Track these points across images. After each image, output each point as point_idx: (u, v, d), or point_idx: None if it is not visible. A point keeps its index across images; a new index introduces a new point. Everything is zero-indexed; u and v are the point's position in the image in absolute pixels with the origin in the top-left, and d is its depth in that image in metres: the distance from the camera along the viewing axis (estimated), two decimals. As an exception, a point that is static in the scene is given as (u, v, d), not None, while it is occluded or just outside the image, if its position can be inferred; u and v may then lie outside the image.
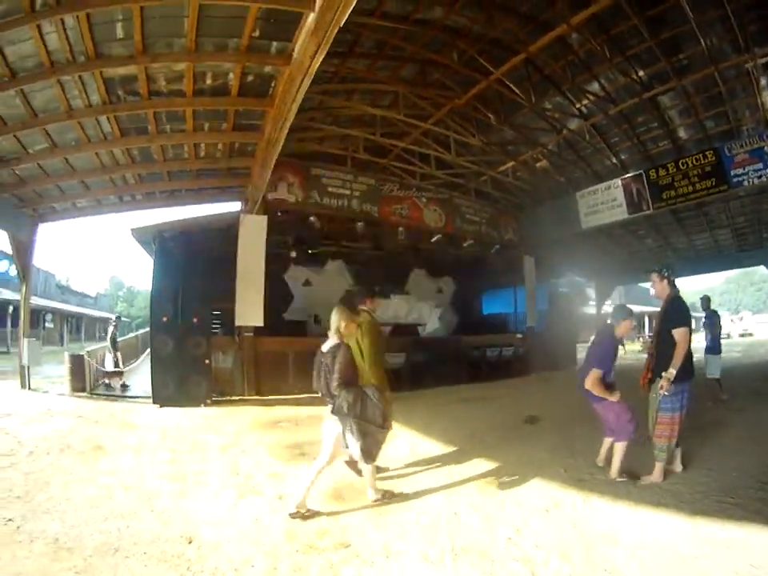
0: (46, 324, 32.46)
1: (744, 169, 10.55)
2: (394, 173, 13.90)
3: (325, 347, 4.60)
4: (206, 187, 11.31)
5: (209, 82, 7.50)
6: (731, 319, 38.81)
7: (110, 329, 13.21)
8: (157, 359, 9.25)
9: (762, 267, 22.13)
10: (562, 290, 20.61)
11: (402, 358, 12.32)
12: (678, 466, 5.13)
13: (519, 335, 16.32)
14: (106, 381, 11.74)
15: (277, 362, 11.04)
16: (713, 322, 9.38)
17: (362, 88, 11.20)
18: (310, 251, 15.43)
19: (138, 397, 9.66)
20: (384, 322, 15.42)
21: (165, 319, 9.30)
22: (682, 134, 12.34)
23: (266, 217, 11.00)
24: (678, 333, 4.72)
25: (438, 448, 6.72)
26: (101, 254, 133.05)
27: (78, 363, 10.83)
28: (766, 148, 10.34)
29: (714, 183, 11.06)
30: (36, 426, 7.18)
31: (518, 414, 8.65)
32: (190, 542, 3.61)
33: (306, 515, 4.12)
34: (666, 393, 4.72)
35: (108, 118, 8.12)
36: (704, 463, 5.35)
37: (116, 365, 12.32)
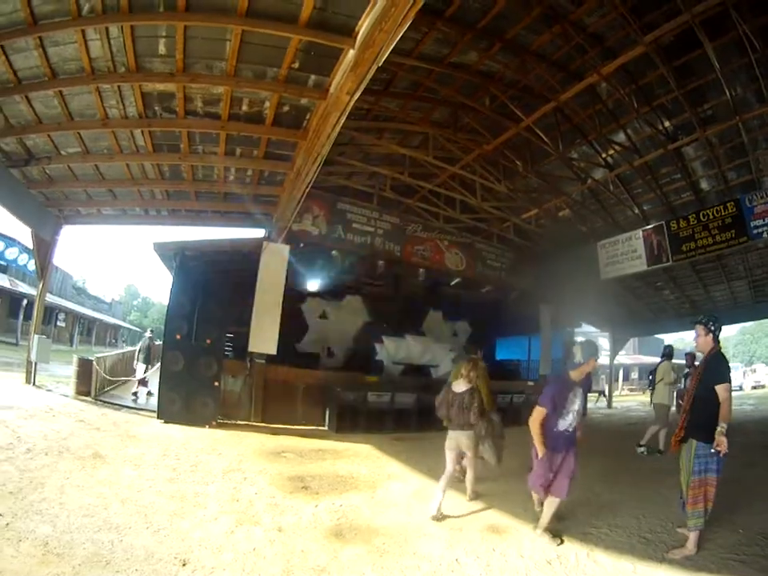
0: (58, 323, 32.75)
1: (764, 220, 10.46)
2: (419, 213, 13.98)
3: (457, 389, 6.28)
4: (232, 211, 11.37)
5: (245, 108, 7.58)
6: (744, 371, 37.88)
7: (145, 340, 13.36)
8: (166, 375, 9.21)
9: None
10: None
11: (412, 398, 12.12)
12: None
13: (531, 383, 16.03)
14: (134, 389, 11.89)
15: (286, 392, 10.96)
16: None
17: (393, 127, 11.30)
18: (328, 285, 15.45)
19: (142, 409, 9.59)
20: (397, 362, 15.37)
21: (178, 337, 9.27)
22: (704, 185, 12.33)
23: (288, 246, 11.03)
24: (721, 388, 4.33)
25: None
26: (119, 261, 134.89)
27: (85, 367, 10.86)
28: None
29: (733, 235, 10.96)
30: (36, 423, 7.16)
31: (526, 462, 8.46)
32: (184, 565, 3.53)
33: (440, 518, 5.27)
34: (721, 449, 4.24)
35: (142, 132, 8.24)
36: (711, 519, 4.98)
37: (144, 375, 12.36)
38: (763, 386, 33.21)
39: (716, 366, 4.54)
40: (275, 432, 9.58)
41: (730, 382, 4.40)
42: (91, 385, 10.77)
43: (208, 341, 9.39)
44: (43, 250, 11.11)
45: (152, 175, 9.76)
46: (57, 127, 8.11)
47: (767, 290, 17.82)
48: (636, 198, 13.13)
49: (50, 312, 28.39)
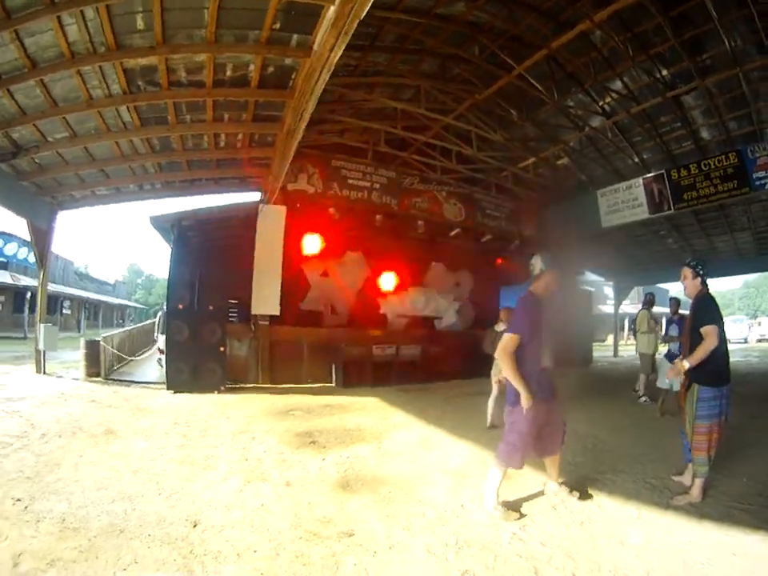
0: (64, 310, 33.06)
1: (766, 172, 10.38)
2: (415, 166, 13.87)
3: (498, 329, 7.64)
4: (226, 177, 11.37)
5: (229, 73, 7.55)
6: (749, 325, 37.92)
7: (163, 313, 13.60)
8: (172, 346, 9.35)
9: None
10: (580, 287, 20.41)
11: (417, 350, 12.48)
12: (687, 480, 4.73)
13: None
14: (158, 357, 12.27)
15: (291, 351, 11.23)
16: (681, 327, 8.23)
17: (382, 82, 11.17)
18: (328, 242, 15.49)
19: (152, 383, 9.80)
20: (400, 314, 15.53)
21: (181, 306, 9.39)
22: (704, 134, 12.18)
23: (284, 207, 11.14)
24: (705, 330, 4.22)
25: (450, 441, 6.72)
26: (120, 241, 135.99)
27: (93, 349, 11.03)
28: None
29: (735, 185, 10.88)
30: (49, 409, 7.30)
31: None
32: (194, 526, 3.64)
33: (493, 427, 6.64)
34: (673, 378, 4.48)
35: (128, 108, 8.19)
36: (716, 467, 5.04)
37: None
38: None
39: (704, 309, 4.42)
40: (283, 392, 9.84)
41: (717, 324, 4.26)
42: (100, 365, 11.00)
43: (211, 307, 9.52)
44: (41, 240, 11.14)
45: (142, 150, 9.72)
46: (41, 115, 8.09)
47: None
48: (635, 146, 13.03)
49: (55, 300, 28.70)
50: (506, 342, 4.01)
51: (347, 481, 4.92)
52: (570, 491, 4.56)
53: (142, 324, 23.81)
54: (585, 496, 4.53)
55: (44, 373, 10.73)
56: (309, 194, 11.98)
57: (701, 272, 4.56)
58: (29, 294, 25.32)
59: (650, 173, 12.78)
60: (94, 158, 9.78)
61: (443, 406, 9.33)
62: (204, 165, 10.78)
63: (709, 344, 4.19)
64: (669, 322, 8.65)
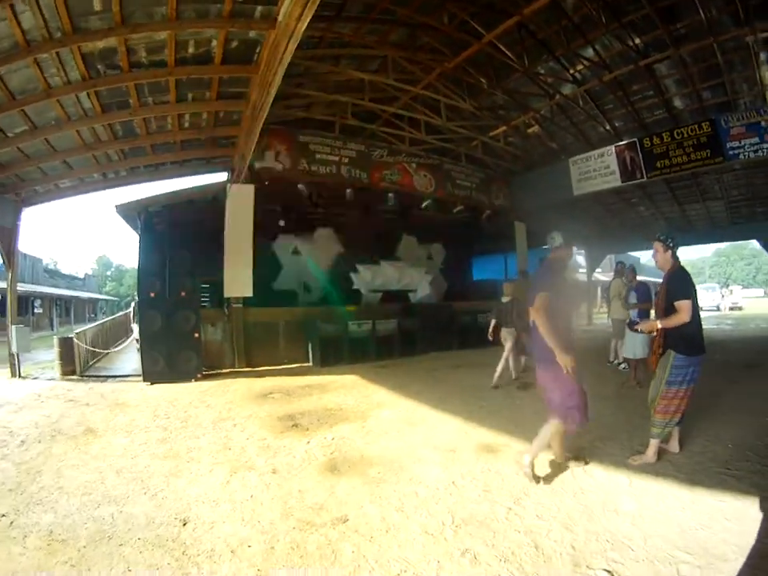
0: (35, 310, 32.42)
1: (740, 142, 10.60)
2: (384, 138, 13.77)
3: (504, 300, 8.75)
4: (191, 159, 11.16)
5: (191, 50, 7.35)
6: (722, 293, 39.43)
7: (136, 303, 13.37)
8: (146, 336, 9.21)
9: (753, 241, 22.14)
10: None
11: (393, 324, 12.52)
12: (674, 447, 4.91)
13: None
14: (137, 346, 11.91)
15: (267, 333, 11.19)
16: (640, 293, 8.60)
17: (349, 53, 10.95)
18: (298, 220, 15.38)
19: (128, 375, 9.63)
20: (374, 289, 15.57)
21: (152, 295, 9.20)
22: (677, 103, 12.26)
23: (252, 186, 10.98)
24: (678, 305, 4.37)
25: (434, 415, 6.79)
26: (88, 234, 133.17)
27: (67, 346, 10.76)
28: (763, 123, 10.38)
29: (708, 154, 11.09)
30: (27, 413, 7.12)
31: (512, 381, 8.72)
32: (184, 524, 3.61)
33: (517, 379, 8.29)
34: (640, 327, 4.63)
35: (88, 94, 7.92)
36: (701, 434, 5.34)
37: None
38: (740, 308, 34.75)
39: (677, 283, 4.56)
40: (261, 375, 9.84)
41: (689, 297, 4.40)
42: (75, 363, 10.73)
43: (183, 293, 9.34)
44: (6, 239, 10.75)
45: (105, 137, 9.46)
46: (-1, 110, 7.75)
47: (743, 212, 18.26)
48: (607, 114, 13.07)
49: (25, 300, 27.92)
50: (540, 301, 4.14)
51: (335, 463, 4.93)
52: (576, 459, 4.72)
53: (114, 316, 23.35)
54: (585, 462, 4.71)
55: (19, 376, 10.42)
56: (277, 171, 11.75)
57: (671, 245, 4.69)
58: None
59: (621, 141, 12.89)
60: (56, 149, 9.47)
61: (424, 379, 9.44)
62: (169, 148, 10.54)
63: (683, 317, 4.34)
64: (628, 290, 8.82)
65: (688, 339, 4.47)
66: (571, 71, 11.43)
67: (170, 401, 7.50)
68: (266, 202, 11.91)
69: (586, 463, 4.69)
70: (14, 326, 10.55)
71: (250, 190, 10.89)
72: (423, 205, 15.53)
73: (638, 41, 10.05)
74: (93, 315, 46.31)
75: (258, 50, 7.43)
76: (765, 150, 10.39)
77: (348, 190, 13.41)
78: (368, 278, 16.17)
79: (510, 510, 3.86)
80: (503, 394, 8.09)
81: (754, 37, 8.86)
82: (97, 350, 12.00)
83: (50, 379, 10.20)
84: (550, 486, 4.32)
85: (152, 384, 8.76)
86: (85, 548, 3.23)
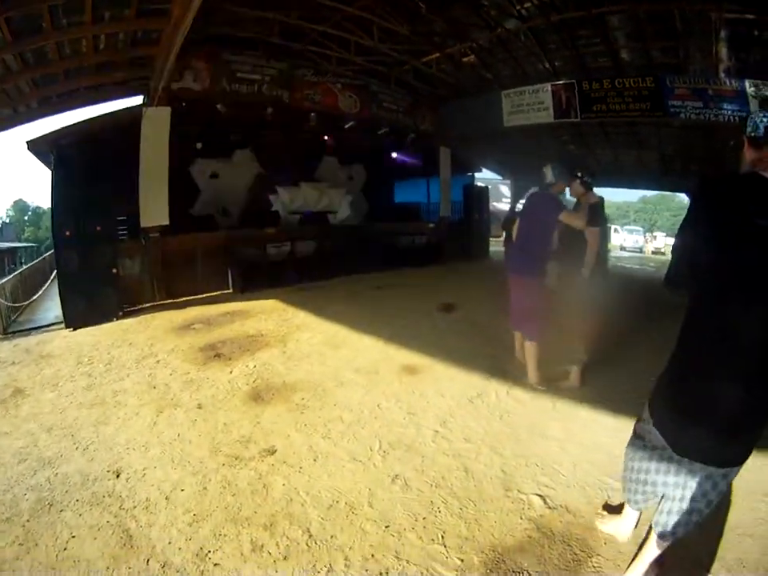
0: None
1: (683, 102, 11.12)
2: (310, 57, 13.61)
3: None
4: (107, 83, 10.73)
5: None
6: (646, 238, 43.17)
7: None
8: (64, 279, 8.95)
9: (682, 195, 23.14)
10: (477, 184, 21.29)
11: (312, 246, 13.01)
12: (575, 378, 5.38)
13: (431, 224, 17.47)
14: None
15: (186, 262, 11.24)
16: None
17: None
18: (217, 142, 15.19)
19: (52, 325, 9.37)
20: (293, 211, 15.75)
21: (68, 233, 8.90)
22: (624, 55, 12.47)
23: (169, 108, 10.74)
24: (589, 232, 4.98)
25: (355, 337, 7.23)
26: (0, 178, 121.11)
27: None
28: (710, 91, 10.89)
29: (648, 107, 11.63)
30: None
31: (433, 302, 9.27)
32: (117, 476, 3.70)
33: None
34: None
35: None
36: (625, 370, 5.76)
37: None
38: (663, 253, 36.82)
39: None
40: (182, 306, 9.95)
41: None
42: None
43: (98, 228, 9.13)
44: None
45: (15, 67, 8.94)
46: None
47: (677, 165, 19.00)
48: (548, 54, 13.19)
49: None
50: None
51: (258, 392, 5.21)
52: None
53: (34, 262, 22.25)
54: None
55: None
56: (195, 91, 11.47)
57: (588, 181, 5.38)
58: None
59: (560, 81, 13.25)
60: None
61: (345, 301, 9.90)
62: (83, 72, 10.07)
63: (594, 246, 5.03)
64: None
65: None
66: (518, 7, 11.34)
67: (92, 344, 7.46)
68: (183, 125, 11.66)
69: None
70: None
71: (165, 112, 10.66)
72: (347, 126, 15.64)
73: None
74: (12, 266, 43.72)
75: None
76: (707, 115, 10.94)
77: (269, 109, 13.27)
78: (287, 199, 16.20)
79: (437, 432, 4.21)
80: (424, 315, 8.53)
81: (719, 15, 9.27)
82: (17, 304, 11.57)
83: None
84: (474, 408, 4.71)
85: (75, 330, 8.61)
86: (29, 522, 3.23)
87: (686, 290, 2.41)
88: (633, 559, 2.72)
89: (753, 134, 2.41)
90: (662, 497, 2.55)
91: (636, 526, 3.02)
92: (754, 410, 2.17)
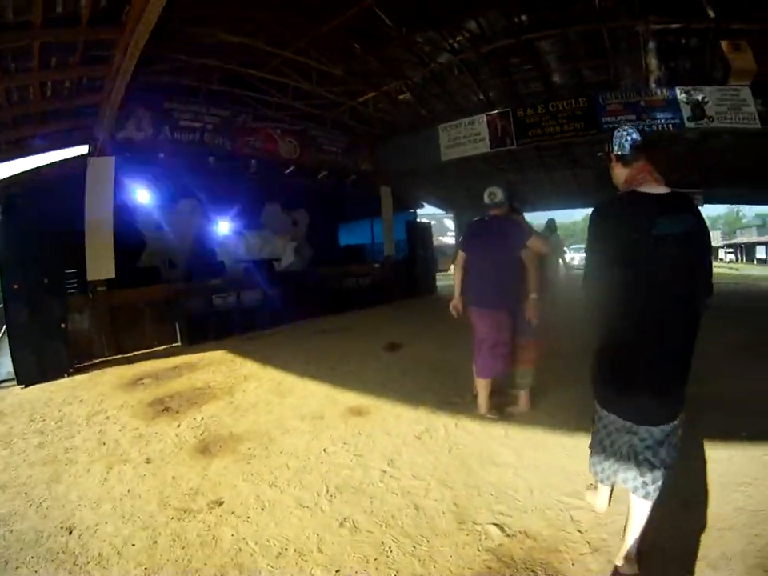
0: None
1: (616, 117, 11.62)
2: (249, 104, 13.85)
3: None
4: (54, 131, 10.68)
5: (59, 10, 6.96)
6: None
7: None
8: (14, 334, 8.77)
9: None
10: (420, 220, 21.79)
11: (258, 294, 13.01)
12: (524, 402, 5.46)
13: (377, 264, 17.66)
14: None
15: (133, 316, 11.11)
16: None
17: (222, 14, 10.50)
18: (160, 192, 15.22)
19: (4, 381, 9.08)
20: (238, 260, 15.83)
21: (16, 286, 8.71)
22: (556, 78, 13.07)
23: (113, 158, 10.75)
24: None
25: (302, 384, 7.24)
26: None
27: None
28: (642, 103, 11.46)
29: (582, 126, 12.13)
30: None
31: (379, 343, 9.38)
32: (70, 532, 3.68)
33: None
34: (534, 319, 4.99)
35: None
36: (572, 383, 5.84)
37: None
38: None
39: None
40: (132, 360, 9.84)
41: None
42: None
43: (46, 281, 8.95)
44: None
45: None
46: None
47: (611, 181, 19.83)
48: (482, 84, 13.69)
49: None
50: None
51: (205, 444, 5.17)
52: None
53: None
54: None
55: None
56: (138, 140, 11.55)
57: (517, 207, 5.82)
58: None
59: (494, 110, 13.68)
60: None
61: (291, 348, 9.87)
62: (30, 120, 10.06)
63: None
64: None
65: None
66: (450, 41, 11.76)
67: (44, 401, 7.36)
68: (126, 174, 11.74)
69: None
70: None
71: (110, 162, 10.68)
72: (287, 171, 15.89)
73: (524, 18, 10.49)
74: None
75: (126, 10, 7.05)
76: (641, 126, 11.14)
77: (211, 158, 13.46)
78: (231, 248, 16.36)
79: (385, 472, 4.22)
80: (370, 356, 8.64)
81: (646, 28, 9.76)
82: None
83: None
84: (421, 444, 4.74)
85: (26, 386, 8.43)
86: (-14, 581, 3.15)
87: (597, 290, 2.91)
88: (623, 531, 2.98)
89: (620, 153, 2.93)
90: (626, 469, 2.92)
91: (610, 502, 3.43)
92: (672, 376, 2.73)
